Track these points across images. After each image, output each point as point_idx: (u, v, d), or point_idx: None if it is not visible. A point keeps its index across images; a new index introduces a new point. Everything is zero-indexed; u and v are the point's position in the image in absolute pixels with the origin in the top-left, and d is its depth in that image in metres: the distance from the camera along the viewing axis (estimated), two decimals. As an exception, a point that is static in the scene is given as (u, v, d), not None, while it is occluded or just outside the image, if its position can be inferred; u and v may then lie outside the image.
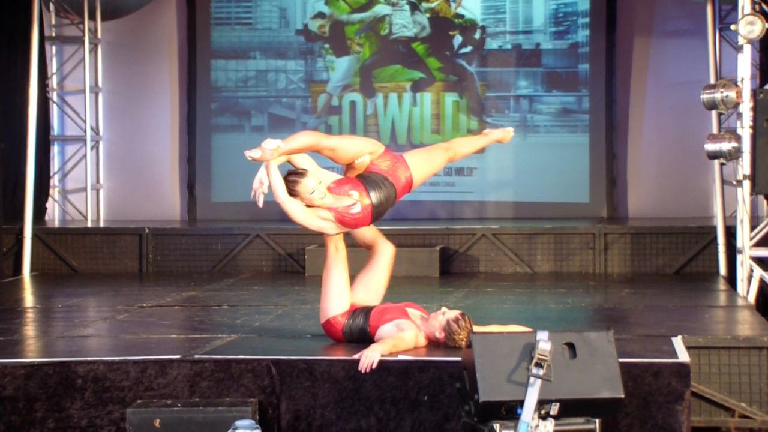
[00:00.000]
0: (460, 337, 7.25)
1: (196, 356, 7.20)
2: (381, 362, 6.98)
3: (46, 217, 13.97)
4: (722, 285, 10.76)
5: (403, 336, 7.27)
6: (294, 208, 7.30)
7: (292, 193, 7.30)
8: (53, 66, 14.45)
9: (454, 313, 7.37)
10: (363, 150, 7.53)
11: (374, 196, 7.39)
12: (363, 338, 7.53)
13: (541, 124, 13.87)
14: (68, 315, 9.42)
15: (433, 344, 7.41)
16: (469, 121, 13.89)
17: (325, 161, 7.57)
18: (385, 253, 7.77)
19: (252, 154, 7.12)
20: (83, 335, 8.33)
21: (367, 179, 7.45)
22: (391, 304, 7.62)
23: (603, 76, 13.77)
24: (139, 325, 8.68)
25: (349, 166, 7.57)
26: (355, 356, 7.05)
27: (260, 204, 7.33)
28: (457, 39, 14.00)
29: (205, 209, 14.19)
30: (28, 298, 10.91)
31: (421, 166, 7.69)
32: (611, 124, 13.78)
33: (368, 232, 7.77)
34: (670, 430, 6.83)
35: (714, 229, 11.46)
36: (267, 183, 7.28)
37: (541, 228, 12.23)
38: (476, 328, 7.34)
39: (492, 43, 13.97)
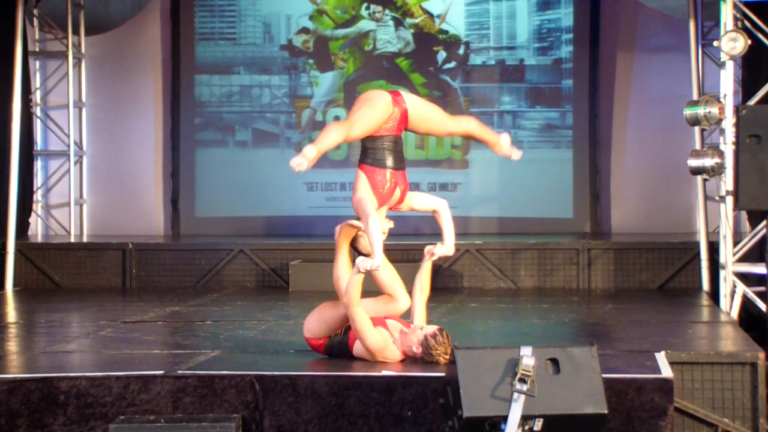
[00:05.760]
0: (438, 352, 7.26)
1: (180, 372, 7.19)
2: (365, 378, 6.99)
3: (29, 232, 13.93)
4: (705, 300, 10.78)
5: (372, 331, 7.31)
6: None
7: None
8: (37, 81, 14.43)
9: (432, 329, 7.38)
10: (383, 120, 7.48)
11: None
12: (342, 352, 7.55)
13: (524, 140, 13.88)
14: (51, 330, 9.39)
15: (409, 359, 7.42)
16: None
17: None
18: (400, 307, 7.66)
19: (300, 167, 7.11)
20: (66, 351, 8.31)
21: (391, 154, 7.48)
22: (371, 318, 7.60)
23: (586, 91, 13.81)
24: (122, 341, 8.66)
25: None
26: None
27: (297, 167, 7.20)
28: (441, 54, 14.02)
29: (189, 224, 14.18)
30: (11, 313, 10.87)
31: (420, 107, 7.68)
32: (595, 139, 13.82)
33: (389, 278, 7.60)
34: (653, 446, 6.85)
35: (697, 244, 11.48)
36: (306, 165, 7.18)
37: (525, 243, 12.24)
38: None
39: (476, 59, 14.01)
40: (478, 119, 8.13)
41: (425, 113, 7.69)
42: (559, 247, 12.13)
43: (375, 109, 7.49)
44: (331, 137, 7.30)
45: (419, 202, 7.76)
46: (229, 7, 14.29)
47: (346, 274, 7.49)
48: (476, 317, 10.01)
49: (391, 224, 7.62)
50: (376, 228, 7.24)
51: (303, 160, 7.13)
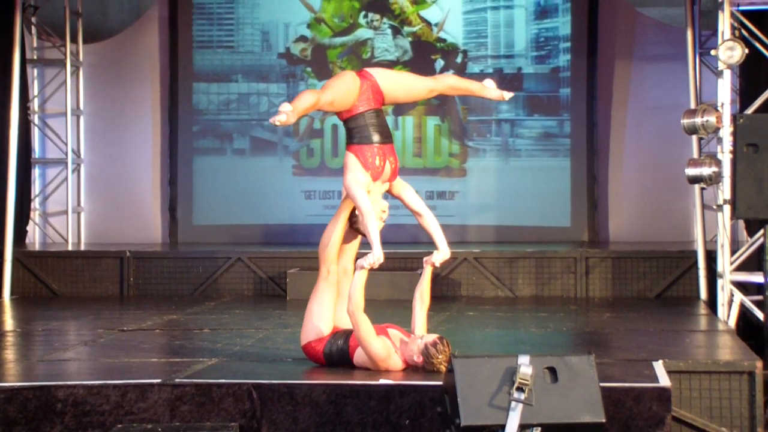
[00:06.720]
0: (438, 360, 7.25)
1: (177, 380, 7.18)
2: (362, 386, 6.98)
3: (27, 240, 13.92)
4: (703, 309, 10.78)
5: (375, 339, 7.30)
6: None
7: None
8: (35, 89, 14.42)
9: (432, 337, 7.38)
10: (353, 92, 7.55)
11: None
12: (343, 360, 7.53)
13: (522, 148, 13.89)
14: (48, 338, 9.38)
15: (411, 368, 7.41)
16: (450, 144, 13.91)
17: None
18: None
19: (279, 118, 7.22)
20: (63, 359, 8.30)
21: (377, 130, 7.54)
22: (375, 326, 7.60)
23: (584, 100, 13.81)
24: (120, 349, 8.65)
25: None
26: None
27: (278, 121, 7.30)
28: (439, 63, 14.03)
29: (187, 232, 14.17)
30: (8, 321, 10.85)
31: (391, 76, 7.78)
32: (592, 148, 13.82)
33: (352, 248, 7.78)
34: (651, 455, 6.84)
35: (694, 253, 11.48)
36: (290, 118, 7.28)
37: (523, 252, 12.24)
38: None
39: (474, 67, 14.01)
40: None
41: (398, 81, 7.80)
42: (556, 256, 12.12)
43: (342, 80, 7.63)
44: (304, 99, 7.41)
45: (408, 195, 7.80)
46: (227, 15, 14.30)
47: (335, 241, 7.72)
48: (474, 326, 10.00)
49: (386, 204, 7.64)
50: (374, 223, 7.31)
51: (282, 115, 7.23)
